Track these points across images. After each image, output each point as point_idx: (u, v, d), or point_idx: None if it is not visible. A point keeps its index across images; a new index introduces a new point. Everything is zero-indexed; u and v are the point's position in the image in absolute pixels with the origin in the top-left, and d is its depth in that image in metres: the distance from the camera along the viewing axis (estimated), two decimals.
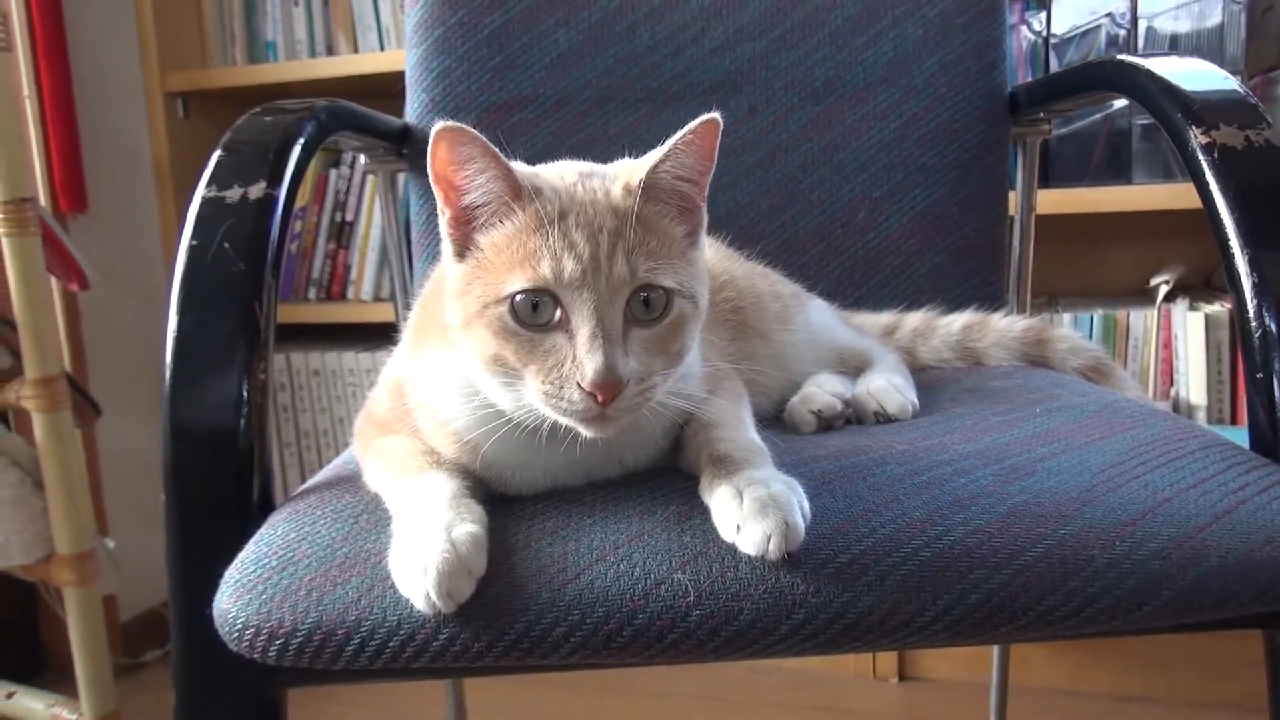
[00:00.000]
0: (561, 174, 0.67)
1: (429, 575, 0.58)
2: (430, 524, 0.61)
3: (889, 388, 0.90)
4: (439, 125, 0.61)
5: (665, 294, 0.64)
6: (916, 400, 0.91)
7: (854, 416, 0.90)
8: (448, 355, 0.68)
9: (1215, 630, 0.66)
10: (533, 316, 0.62)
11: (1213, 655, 1.65)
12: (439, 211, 0.66)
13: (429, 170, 0.64)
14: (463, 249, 0.66)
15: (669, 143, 0.65)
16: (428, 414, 0.70)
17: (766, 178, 1.23)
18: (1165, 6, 1.60)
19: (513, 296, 0.62)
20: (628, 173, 0.66)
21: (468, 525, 0.61)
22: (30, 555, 1.48)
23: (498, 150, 0.63)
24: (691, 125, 0.64)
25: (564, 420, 0.62)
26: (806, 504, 0.62)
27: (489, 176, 0.63)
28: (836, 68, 1.24)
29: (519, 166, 0.67)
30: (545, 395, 0.62)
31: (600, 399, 0.60)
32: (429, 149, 0.63)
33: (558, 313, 0.62)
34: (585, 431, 0.63)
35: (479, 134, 0.62)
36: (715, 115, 0.64)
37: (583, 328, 0.61)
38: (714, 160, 0.67)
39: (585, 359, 0.60)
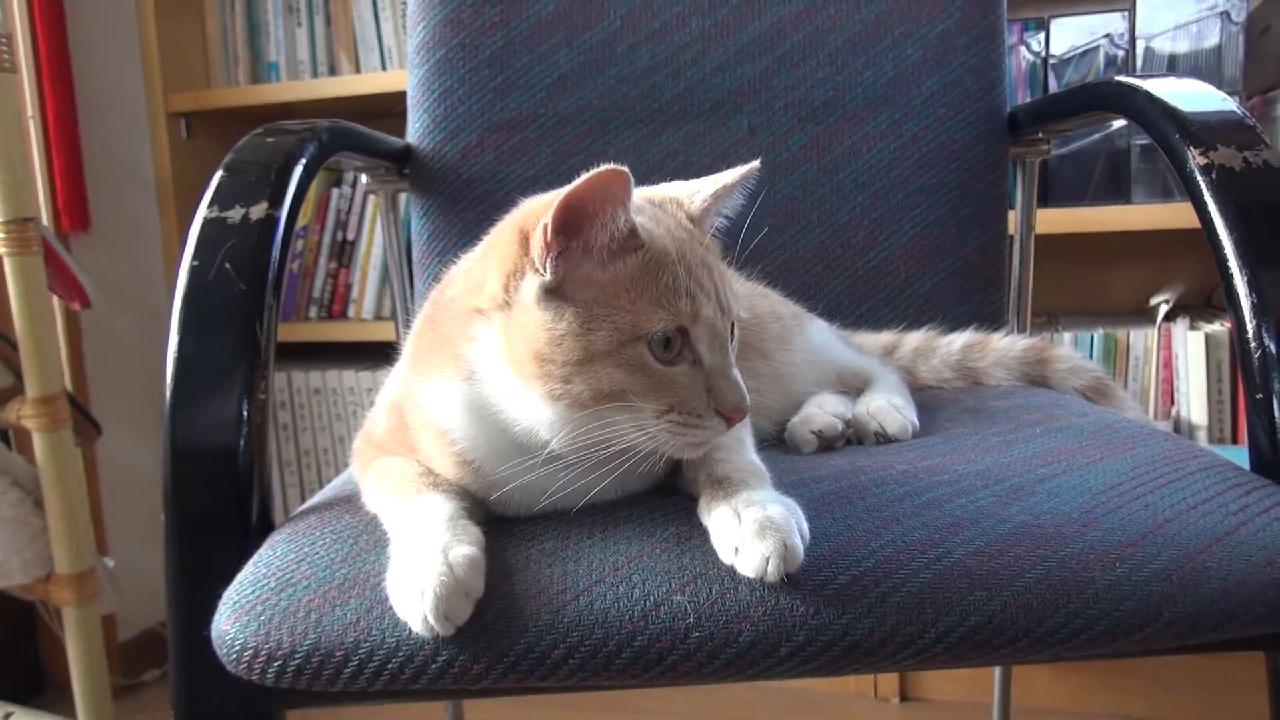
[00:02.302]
0: (642, 205, 0.69)
1: (426, 598, 0.58)
2: (427, 546, 0.61)
3: (889, 408, 0.90)
4: (606, 168, 0.59)
5: (733, 324, 0.68)
6: (916, 420, 0.91)
7: (854, 437, 0.90)
8: (458, 380, 0.67)
9: (1217, 652, 0.65)
10: (664, 352, 0.63)
11: (1216, 677, 1.65)
12: (540, 247, 0.62)
13: (572, 199, 0.61)
14: (559, 285, 0.63)
15: (726, 178, 0.71)
16: (430, 434, 0.70)
17: (766, 198, 1.23)
18: (1164, 27, 1.61)
19: (650, 334, 0.63)
20: (676, 202, 0.71)
21: (464, 547, 0.61)
22: (29, 574, 1.48)
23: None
24: (742, 168, 0.71)
25: (675, 445, 0.64)
26: (805, 525, 0.62)
27: (624, 221, 0.63)
28: (836, 88, 1.25)
29: None
30: (676, 423, 0.63)
31: (736, 419, 0.65)
32: (583, 182, 0.60)
33: (680, 345, 0.64)
34: (686, 454, 0.66)
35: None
36: (755, 164, 0.72)
37: (716, 359, 0.65)
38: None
39: (725, 388, 0.64)
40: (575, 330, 0.62)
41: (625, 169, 0.60)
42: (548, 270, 0.63)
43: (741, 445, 0.72)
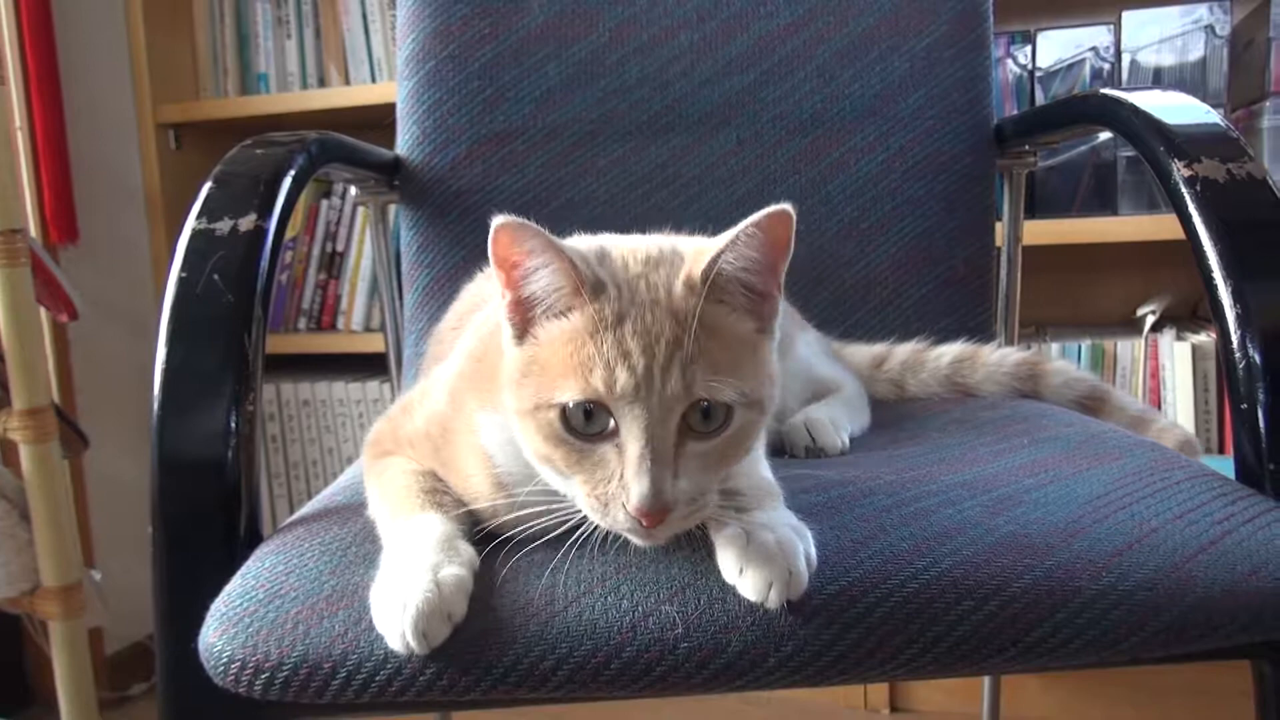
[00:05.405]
0: (629, 260, 0.63)
1: (407, 613, 0.58)
2: (418, 563, 0.61)
3: (823, 421, 0.91)
4: (498, 220, 0.58)
5: (725, 406, 0.60)
6: (846, 440, 0.91)
7: (785, 447, 0.91)
8: (501, 416, 0.65)
9: (1203, 660, 0.66)
10: (585, 425, 0.58)
11: (1205, 685, 1.65)
12: (500, 294, 0.62)
13: (490, 256, 0.60)
14: (522, 333, 0.62)
15: (730, 233, 0.60)
16: (475, 455, 0.68)
17: (755, 209, 1.23)
18: (1149, 41, 1.62)
19: (565, 405, 0.58)
20: (693, 261, 0.61)
21: (454, 568, 0.61)
22: (15, 588, 1.47)
23: (559, 243, 0.59)
24: (757, 215, 0.59)
25: (609, 528, 0.60)
26: (814, 550, 0.61)
27: (551, 270, 0.60)
28: (824, 101, 1.25)
29: (587, 249, 0.63)
30: (591, 508, 0.59)
31: (645, 524, 0.57)
32: (490, 238, 0.59)
33: (611, 422, 0.58)
34: (633, 540, 0.61)
35: (540, 229, 0.58)
36: (785, 207, 0.59)
37: (632, 445, 0.58)
38: (788, 250, 0.62)
39: (632, 481, 0.57)
40: (514, 379, 0.61)
41: (522, 221, 0.58)
42: (507, 320, 0.62)
43: (756, 460, 0.71)
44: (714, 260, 0.60)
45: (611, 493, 0.58)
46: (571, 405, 0.58)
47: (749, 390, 0.60)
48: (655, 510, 0.57)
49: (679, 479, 0.58)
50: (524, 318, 0.62)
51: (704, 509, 0.60)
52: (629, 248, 0.64)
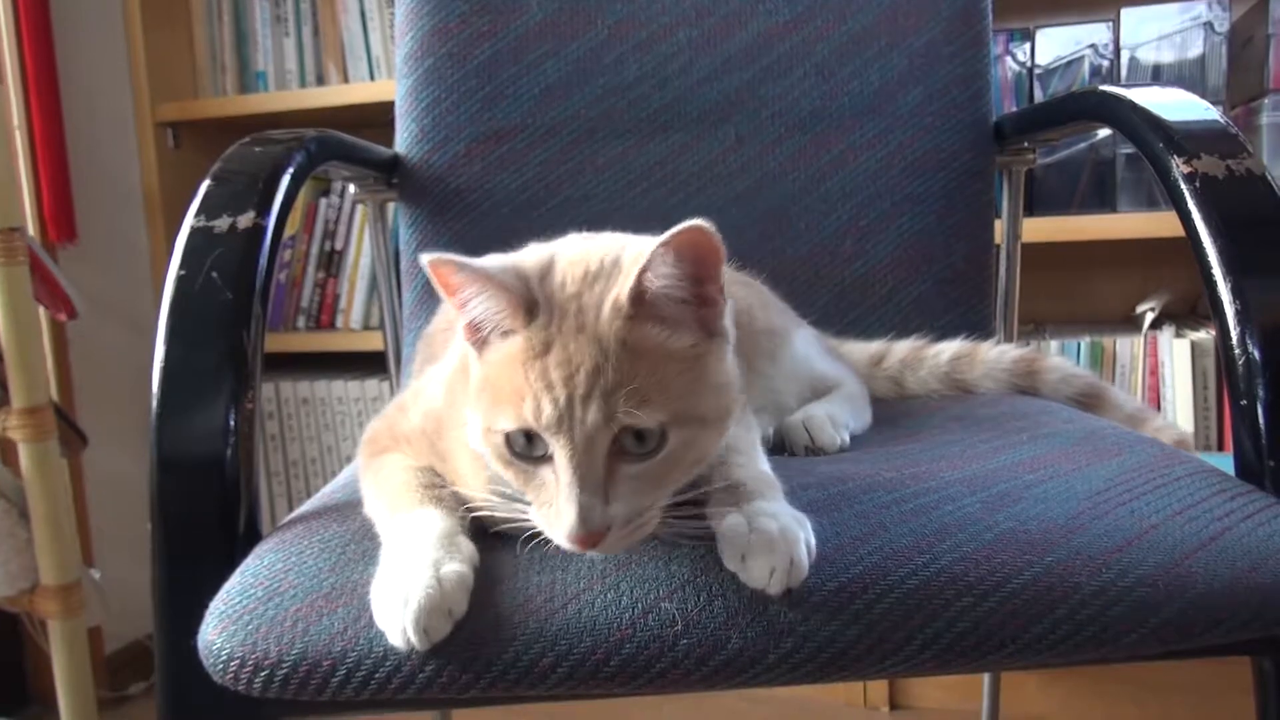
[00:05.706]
0: (568, 277, 0.62)
1: (409, 609, 0.58)
2: (419, 558, 0.61)
3: (823, 419, 0.91)
4: (427, 258, 0.59)
5: (658, 428, 0.59)
6: (847, 437, 0.91)
7: (785, 445, 0.91)
8: None
9: (1203, 657, 0.66)
10: (527, 449, 0.60)
11: (1206, 682, 1.65)
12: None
13: (437, 288, 0.62)
14: (480, 352, 0.63)
15: (645, 255, 0.58)
16: (468, 454, 0.68)
17: (754, 206, 1.24)
18: (1148, 37, 1.62)
19: (500, 430, 0.60)
20: (622, 280, 0.60)
21: (455, 564, 0.61)
22: (14, 586, 1.47)
23: (489, 270, 0.60)
24: (666, 234, 0.57)
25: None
26: (814, 541, 0.61)
27: (486, 297, 0.60)
28: (823, 98, 1.25)
29: (533, 263, 0.63)
30: (541, 525, 0.61)
31: (579, 548, 0.58)
32: (429, 275, 0.60)
33: (549, 447, 0.59)
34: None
35: (467, 261, 0.59)
36: (697, 222, 0.56)
37: (562, 474, 0.58)
38: (717, 258, 0.60)
39: (563, 508, 0.58)
40: (474, 397, 0.62)
41: (448, 258, 0.58)
42: (468, 344, 0.63)
43: (755, 452, 0.71)
44: (635, 283, 0.59)
45: (551, 515, 0.59)
46: (512, 431, 0.59)
47: (684, 408, 0.59)
48: (583, 537, 0.58)
49: (612, 503, 0.58)
50: (477, 338, 0.63)
51: (645, 526, 0.60)
52: (574, 258, 0.63)
